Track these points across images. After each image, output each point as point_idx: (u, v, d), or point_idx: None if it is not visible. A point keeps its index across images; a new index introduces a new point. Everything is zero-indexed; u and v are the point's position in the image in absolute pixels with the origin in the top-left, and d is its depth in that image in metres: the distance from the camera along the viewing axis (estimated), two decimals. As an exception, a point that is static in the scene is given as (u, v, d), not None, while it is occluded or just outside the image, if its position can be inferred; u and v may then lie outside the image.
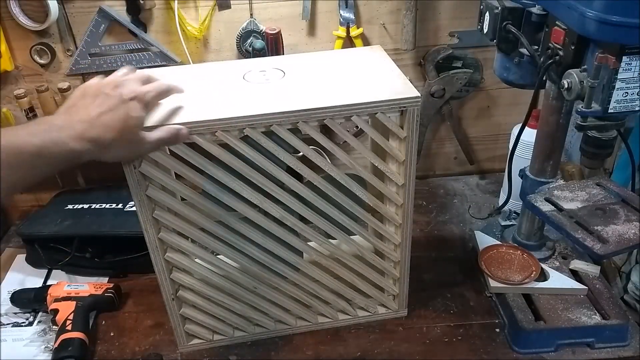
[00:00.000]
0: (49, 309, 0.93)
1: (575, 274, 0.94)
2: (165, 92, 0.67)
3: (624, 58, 0.65)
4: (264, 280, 0.84)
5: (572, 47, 0.70)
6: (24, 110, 1.10)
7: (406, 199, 0.81)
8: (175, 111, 0.70)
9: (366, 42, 1.13)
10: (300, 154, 0.75)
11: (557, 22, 0.72)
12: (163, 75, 0.74)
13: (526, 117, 0.87)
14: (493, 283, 0.92)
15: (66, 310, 0.91)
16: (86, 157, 0.59)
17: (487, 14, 0.83)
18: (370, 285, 0.89)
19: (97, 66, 1.10)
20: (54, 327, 0.92)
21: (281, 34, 1.07)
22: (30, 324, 0.97)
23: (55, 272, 1.04)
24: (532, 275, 0.91)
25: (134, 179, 0.71)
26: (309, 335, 0.91)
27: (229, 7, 1.07)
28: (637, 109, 0.69)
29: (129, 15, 1.06)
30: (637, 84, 0.67)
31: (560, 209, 0.83)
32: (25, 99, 1.09)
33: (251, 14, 1.08)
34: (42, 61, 1.09)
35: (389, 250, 0.86)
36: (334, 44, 1.11)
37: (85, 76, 1.12)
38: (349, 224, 0.82)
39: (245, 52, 1.10)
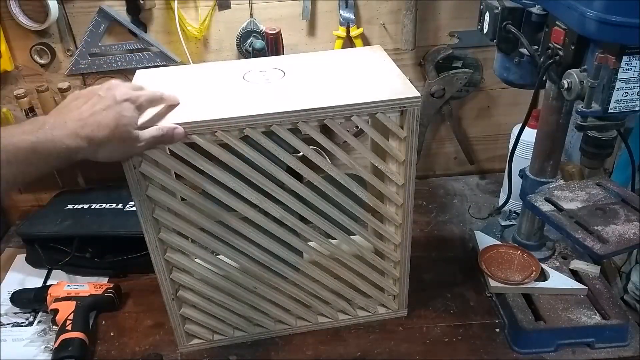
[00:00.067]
0: (49, 309, 0.93)
1: (575, 274, 0.94)
2: (159, 100, 0.69)
3: (624, 58, 0.65)
4: (264, 280, 0.84)
5: (572, 47, 0.70)
6: (24, 110, 1.10)
7: (406, 199, 0.81)
8: (174, 111, 0.70)
9: (366, 42, 1.13)
10: (300, 154, 0.75)
11: (557, 22, 0.72)
12: (163, 76, 0.74)
13: (526, 117, 0.87)
14: (493, 283, 0.92)
15: (66, 310, 0.91)
16: (80, 155, 0.60)
17: (487, 14, 0.83)
18: (370, 285, 0.90)
19: (97, 66, 1.10)
20: (54, 327, 0.92)
21: (281, 34, 1.07)
22: (30, 324, 0.97)
23: (55, 272, 1.04)
24: (532, 275, 0.91)
25: (134, 179, 0.71)
26: (309, 335, 0.91)
27: (229, 7, 1.07)
28: (637, 109, 0.69)
29: (129, 15, 1.06)
30: (637, 84, 0.67)
31: (560, 209, 0.83)
32: (25, 99, 1.09)
33: (251, 14, 1.08)
34: (42, 61, 1.09)
35: (389, 250, 0.86)
36: (334, 44, 1.11)
37: (85, 76, 1.12)
38: (349, 224, 0.82)
39: (245, 52, 1.10)
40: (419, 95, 0.72)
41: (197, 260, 0.82)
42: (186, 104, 0.72)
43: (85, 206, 1.10)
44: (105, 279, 1.04)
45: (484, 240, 1.02)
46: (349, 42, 1.11)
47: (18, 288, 1.00)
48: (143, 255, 0.89)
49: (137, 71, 0.83)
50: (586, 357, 0.85)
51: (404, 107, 0.73)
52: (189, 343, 0.89)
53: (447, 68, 1.17)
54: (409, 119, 0.73)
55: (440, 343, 0.89)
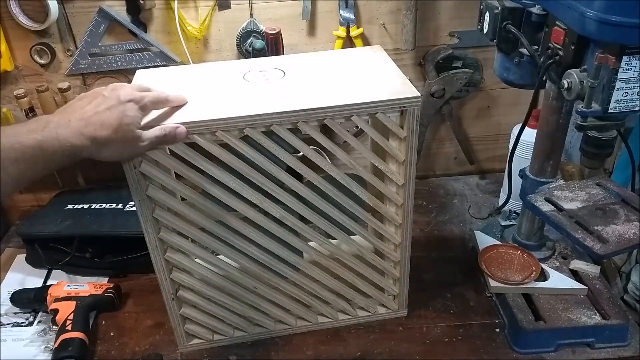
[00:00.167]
0: (49, 309, 0.93)
1: (575, 274, 0.94)
2: (163, 102, 0.70)
3: (624, 58, 0.65)
4: (264, 280, 0.84)
5: (572, 47, 0.70)
6: (24, 110, 1.10)
7: (406, 199, 0.81)
8: (175, 111, 0.70)
9: (366, 42, 1.13)
10: (300, 154, 0.75)
11: (557, 22, 0.72)
12: (163, 76, 0.74)
13: (526, 117, 0.87)
14: (493, 283, 0.92)
15: (66, 310, 0.91)
16: (85, 153, 0.61)
17: (487, 14, 0.83)
18: (370, 285, 0.89)
19: (97, 66, 1.10)
20: (54, 327, 0.92)
21: (281, 34, 1.07)
22: (30, 324, 0.97)
23: (55, 272, 1.04)
24: (532, 275, 0.91)
25: (134, 179, 0.71)
26: (309, 335, 0.91)
27: (229, 7, 1.07)
28: (637, 109, 0.69)
29: (129, 15, 1.06)
30: (637, 84, 0.67)
31: (560, 209, 0.83)
32: (25, 99, 1.09)
33: (251, 14, 1.08)
34: (42, 61, 1.09)
35: (389, 250, 0.86)
36: (334, 44, 1.11)
37: (85, 76, 1.12)
38: (349, 224, 0.82)
39: (245, 52, 1.10)
40: (419, 95, 0.72)
41: (197, 260, 0.82)
42: (186, 104, 0.72)
43: (85, 206, 1.10)
44: (105, 279, 1.04)
45: (484, 240, 1.02)
46: (349, 42, 1.11)
47: (18, 288, 1.00)
48: (143, 255, 0.89)
49: (137, 71, 0.83)
50: (586, 357, 0.85)
51: (404, 107, 0.73)
52: (189, 343, 0.89)
53: (447, 68, 1.17)
54: (409, 119, 0.73)
55: (440, 343, 0.89)
